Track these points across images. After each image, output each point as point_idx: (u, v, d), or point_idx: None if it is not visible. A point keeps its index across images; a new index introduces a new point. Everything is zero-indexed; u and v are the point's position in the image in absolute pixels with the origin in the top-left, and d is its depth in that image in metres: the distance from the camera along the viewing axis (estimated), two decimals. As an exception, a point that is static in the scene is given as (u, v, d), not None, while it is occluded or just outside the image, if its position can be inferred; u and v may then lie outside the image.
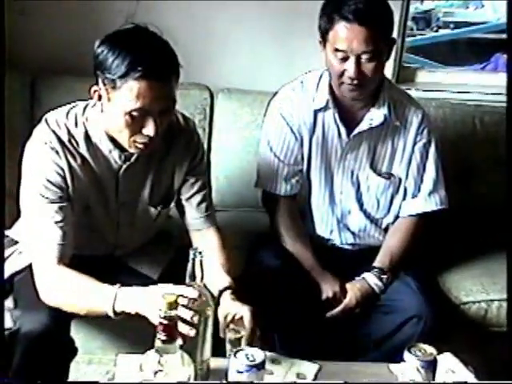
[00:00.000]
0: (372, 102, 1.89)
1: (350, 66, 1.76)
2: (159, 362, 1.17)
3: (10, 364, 1.52)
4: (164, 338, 1.16)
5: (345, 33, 1.73)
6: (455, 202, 2.02)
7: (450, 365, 1.50)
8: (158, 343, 1.17)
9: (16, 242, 1.76)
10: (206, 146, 2.36)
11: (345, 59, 1.76)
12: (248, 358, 1.30)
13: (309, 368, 1.51)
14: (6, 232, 1.80)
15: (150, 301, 1.37)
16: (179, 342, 1.21)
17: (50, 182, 1.53)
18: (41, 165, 1.55)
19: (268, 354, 1.41)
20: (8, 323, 1.58)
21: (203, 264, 1.35)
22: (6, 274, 1.69)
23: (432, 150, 1.96)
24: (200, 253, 1.34)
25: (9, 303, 1.69)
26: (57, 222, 1.52)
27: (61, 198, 1.54)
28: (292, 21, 2.42)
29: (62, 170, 1.55)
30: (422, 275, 1.92)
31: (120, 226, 1.71)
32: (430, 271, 2.05)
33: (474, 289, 2.03)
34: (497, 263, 2.06)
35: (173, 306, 1.17)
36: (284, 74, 2.12)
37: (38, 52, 2.37)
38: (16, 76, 2.30)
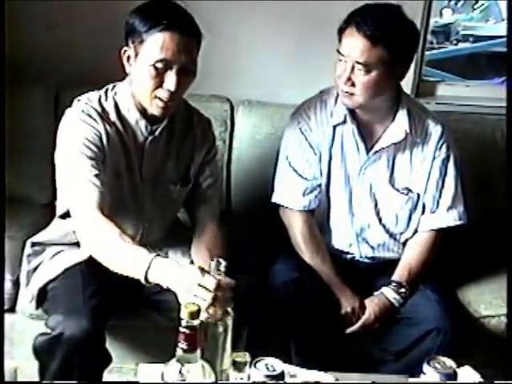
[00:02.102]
0: (391, 116, 1.90)
1: (342, 71, 1.77)
2: (180, 371, 1.17)
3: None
4: (185, 347, 1.17)
5: (349, 38, 1.75)
6: (476, 215, 2.02)
7: (469, 378, 1.49)
8: (179, 352, 1.18)
9: (43, 251, 1.80)
10: (226, 157, 2.38)
11: (344, 63, 1.77)
12: (268, 369, 1.30)
13: (326, 379, 1.50)
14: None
15: (183, 278, 1.38)
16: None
17: (88, 139, 1.61)
18: (79, 127, 1.63)
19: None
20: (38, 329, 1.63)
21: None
22: (40, 283, 1.74)
23: (451, 165, 1.95)
24: (221, 263, 1.36)
25: (39, 311, 1.76)
26: (94, 175, 1.58)
27: (97, 157, 1.61)
28: (314, 34, 2.42)
29: (99, 132, 1.63)
30: (441, 288, 1.92)
31: (144, 202, 1.76)
32: (449, 284, 2.04)
33: (494, 302, 2.02)
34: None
35: (194, 315, 1.17)
36: (304, 87, 2.12)
37: (63, 66, 2.40)
38: (40, 90, 2.34)
